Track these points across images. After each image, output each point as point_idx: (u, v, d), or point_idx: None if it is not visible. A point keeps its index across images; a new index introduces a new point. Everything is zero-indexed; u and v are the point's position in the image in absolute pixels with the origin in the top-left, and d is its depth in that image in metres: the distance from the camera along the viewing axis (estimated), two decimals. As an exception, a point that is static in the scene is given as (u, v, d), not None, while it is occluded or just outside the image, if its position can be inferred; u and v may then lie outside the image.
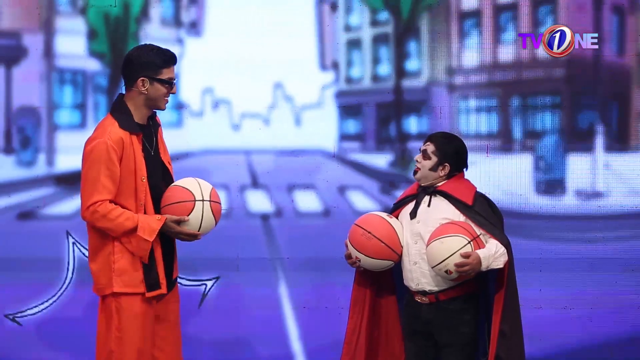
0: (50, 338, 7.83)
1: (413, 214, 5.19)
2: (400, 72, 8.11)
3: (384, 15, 8.14)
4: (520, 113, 8.18)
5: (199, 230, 5.04)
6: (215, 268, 7.93)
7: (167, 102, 5.16)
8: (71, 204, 7.97)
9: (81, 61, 8.08)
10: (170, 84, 5.06)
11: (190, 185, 5.07)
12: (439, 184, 5.21)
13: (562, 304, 7.92)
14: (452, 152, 5.21)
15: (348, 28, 8.17)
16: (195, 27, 8.11)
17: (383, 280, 5.44)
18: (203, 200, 5.00)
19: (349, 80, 8.17)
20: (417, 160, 5.25)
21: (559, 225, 8.03)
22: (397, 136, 8.10)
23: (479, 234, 5.04)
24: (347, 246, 5.24)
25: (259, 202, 8.05)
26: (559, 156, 8.08)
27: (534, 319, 7.58)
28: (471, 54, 8.10)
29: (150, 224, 4.92)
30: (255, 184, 8.09)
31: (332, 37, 8.11)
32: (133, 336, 5.03)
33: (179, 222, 4.97)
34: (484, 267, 4.96)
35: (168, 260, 5.17)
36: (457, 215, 5.12)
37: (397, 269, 5.35)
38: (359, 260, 5.19)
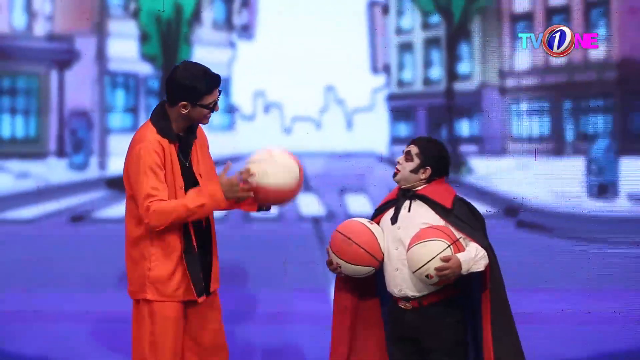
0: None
1: (394, 220, 5.15)
2: (452, 75, 8.09)
3: (435, 18, 8.12)
4: (572, 116, 8.12)
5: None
6: (264, 271, 7.93)
7: (210, 118, 5.11)
8: (123, 208, 7.97)
9: (133, 64, 8.12)
10: (212, 108, 5.01)
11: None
12: (419, 188, 5.17)
13: (612, 308, 7.87)
14: (435, 156, 5.15)
15: (399, 31, 8.16)
16: (246, 31, 8.11)
17: (365, 286, 5.42)
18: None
19: (400, 83, 8.15)
20: (398, 162, 5.20)
21: (611, 229, 7.96)
22: (448, 139, 8.08)
23: (458, 237, 5.01)
24: (328, 252, 5.22)
25: (310, 205, 8.01)
26: (611, 159, 8.03)
27: (581, 323, 7.51)
28: (523, 57, 8.05)
29: (207, 187, 4.92)
30: (307, 187, 8.06)
31: (383, 40, 8.09)
32: (166, 340, 5.01)
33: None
34: (464, 270, 4.92)
35: (204, 265, 5.14)
36: (437, 220, 5.07)
37: (380, 274, 5.32)
38: (340, 267, 5.16)
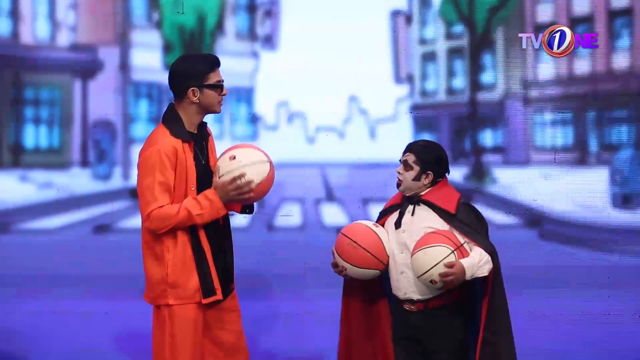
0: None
1: (398, 224, 5.12)
2: (475, 85, 8.07)
3: (458, 28, 8.13)
4: (596, 126, 8.11)
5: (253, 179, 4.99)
6: (287, 281, 7.93)
7: (222, 104, 5.13)
8: (146, 217, 7.95)
9: (157, 74, 8.13)
10: (219, 87, 5.02)
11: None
12: (423, 193, 5.16)
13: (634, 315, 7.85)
14: (433, 160, 5.10)
15: (423, 41, 8.17)
16: (270, 41, 8.12)
17: (372, 289, 5.42)
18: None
19: (423, 93, 8.16)
20: (398, 172, 5.18)
21: (636, 239, 7.94)
22: (472, 149, 8.06)
23: (462, 242, 4.99)
24: (333, 255, 5.21)
25: (334, 215, 8.01)
26: (635, 169, 8.00)
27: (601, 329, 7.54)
28: (547, 67, 8.05)
29: (205, 193, 4.94)
30: (330, 197, 8.06)
31: (406, 50, 8.10)
32: (186, 342, 5.00)
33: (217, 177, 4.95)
34: (468, 276, 4.88)
35: (221, 267, 5.15)
36: (441, 224, 5.04)
37: (387, 276, 5.32)
38: (345, 270, 5.16)
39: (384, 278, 5.34)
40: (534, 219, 8.06)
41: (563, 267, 7.88)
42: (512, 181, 8.13)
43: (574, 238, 8.03)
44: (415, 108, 7.78)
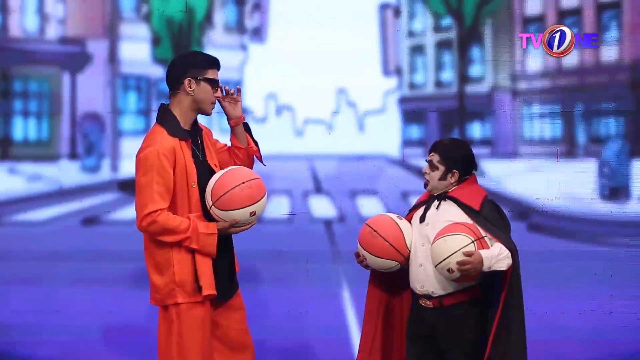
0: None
1: (422, 218, 5.17)
2: (463, 77, 8.09)
3: (447, 21, 8.13)
4: (584, 118, 8.11)
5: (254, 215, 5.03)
6: (278, 273, 7.93)
7: (214, 107, 5.13)
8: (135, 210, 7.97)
9: (145, 67, 8.12)
10: (215, 85, 5.04)
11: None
12: (450, 190, 5.18)
13: (632, 309, 7.83)
14: (458, 158, 5.13)
15: (411, 34, 8.17)
16: (258, 34, 8.11)
17: (398, 284, 5.43)
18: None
19: (412, 86, 8.16)
20: (425, 172, 5.20)
21: (624, 231, 7.94)
22: (460, 142, 8.05)
23: (483, 236, 5.01)
24: (358, 245, 5.24)
25: (322, 207, 8.00)
26: (623, 161, 8.00)
27: (599, 329, 7.55)
28: (535, 60, 8.05)
29: (206, 225, 4.94)
30: (319, 189, 8.05)
31: (395, 43, 8.09)
32: (194, 341, 5.02)
33: (231, 226, 4.97)
34: (485, 267, 4.87)
35: (225, 266, 5.16)
36: (465, 219, 5.05)
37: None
38: (365, 259, 5.19)
39: (407, 275, 5.34)
40: (522, 211, 8.05)
41: (552, 259, 7.86)
42: (500, 174, 8.13)
43: (562, 230, 8.03)
44: (403, 100, 7.77)
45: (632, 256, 7.82)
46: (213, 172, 5.05)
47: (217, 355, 5.21)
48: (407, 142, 8.01)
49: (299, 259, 7.73)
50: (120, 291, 7.86)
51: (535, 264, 7.79)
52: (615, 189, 8.04)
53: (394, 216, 5.21)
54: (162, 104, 5.04)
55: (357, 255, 5.22)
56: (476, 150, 7.99)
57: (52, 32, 8.02)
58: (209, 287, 5.00)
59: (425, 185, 5.19)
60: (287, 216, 7.90)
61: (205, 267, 4.99)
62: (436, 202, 5.14)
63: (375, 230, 5.09)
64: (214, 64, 5.03)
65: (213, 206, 4.91)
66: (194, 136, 5.05)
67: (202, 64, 4.98)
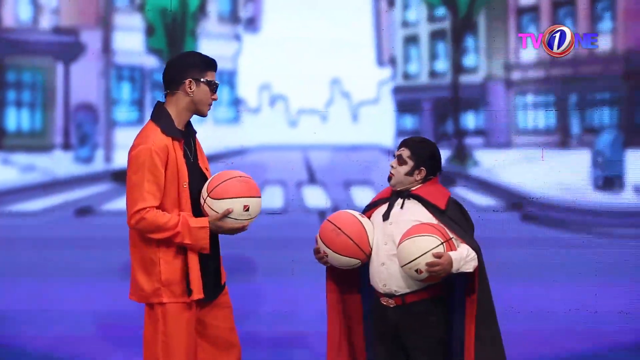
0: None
1: (386, 216, 5.15)
2: (458, 68, 8.08)
3: (441, 11, 8.11)
4: (578, 108, 8.10)
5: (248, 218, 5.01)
6: (270, 265, 7.91)
7: (210, 108, 5.14)
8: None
9: (139, 58, 8.10)
10: (214, 87, 5.06)
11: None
12: (413, 188, 5.17)
13: (619, 306, 7.83)
14: (427, 157, 5.15)
15: (405, 24, 8.14)
16: (252, 24, 8.10)
17: (350, 281, 5.41)
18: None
19: (406, 76, 8.13)
20: (392, 166, 5.19)
21: (617, 222, 7.94)
22: (454, 132, 8.07)
23: (451, 237, 5.01)
24: (316, 240, 5.22)
25: (315, 198, 8.00)
26: (617, 152, 8.00)
27: (590, 320, 7.56)
28: (529, 50, 8.03)
29: (197, 220, 4.93)
30: (312, 180, 8.04)
31: (389, 33, 8.07)
32: (180, 341, 5.02)
33: (223, 217, 4.94)
34: (454, 269, 4.90)
35: (213, 265, 5.15)
36: (430, 219, 5.05)
37: (365, 271, 5.31)
38: (327, 256, 5.16)
39: (361, 274, 5.34)
40: (516, 202, 8.05)
41: (545, 250, 7.89)
42: (494, 164, 8.12)
43: (556, 220, 8.00)
44: (397, 91, 7.76)
45: (625, 246, 7.81)
46: (203, 175, 5.11)
47: (203, 354, 5.21)
48: (401, 133, 8.01)
49: (291, 250, 7.70)
50: (113, 282, 7.83)
51: (528, 254, 7.80)
52: (609, 179, 8.03)
53: (355, 213, 5.21)
54: (158, 101, 5.05)
55: (317, 251, 5.20)
56: (470, 141, 8.03)
57: (46, 22, 8.00)
58: (198, 291, 5.00)
59: (389, 179, 5.17)
60: (281, 208, 7.90)
61: (195, 269, 4.99)
62: (400, 201, 5.13)
63: (338, 228, 5.08)
64: (213, 65, 5.08)
65: (208, 197, 4.92)
66: (187, 137, 5.08)
67: (202, 65, 5.03)
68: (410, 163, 5.11)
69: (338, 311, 5.38)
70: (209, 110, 5.10)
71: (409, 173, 5.11)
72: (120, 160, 7.95)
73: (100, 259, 7.88)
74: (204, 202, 4.95)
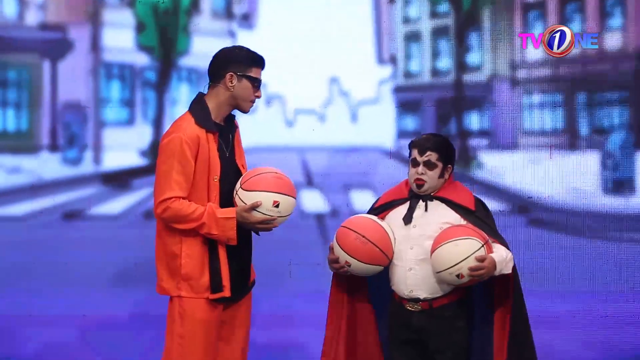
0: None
1: (408, 219, 5.00)
2: (461, 66, 7.92)
3: (444, 7, 8.00)
4: (587, 108, 7.98)
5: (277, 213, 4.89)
6: (267, 269, 7.76)
7: (252, 105, 5.03)
8: (119, 204, 7.83)
9: (129, 55, 7.98)
10: (257, 84, 4.95)
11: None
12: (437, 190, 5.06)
13: (629, 311, 7.70)
14: (451, 153, 5.09)
15: (407, 20, 8.04)
16: (247, 20, 8.00)
17: (359, 287, 5.27)
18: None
19: (407, 74, 8.03)
20: (420, 173, 5.02)
21: (627, 226, 7.79)
22: (457, 133, 7.92)
23: (488, 239, 4.91)
24: (331, 250, 5.02)
25: (313, 201, 7.85)
26: (627, 153, 7.88)
27: (597, 324, 7.45)
28: (535, 48, 7.88)
29: (224, 210, 4.82)
30: (310, 182, 7.92)
31: (390, 30, 7.96)
32: (196, 344, 4.91)
33: (252, 210, 4.82)
34: (497, 271, 4.79)
35: (241, 264, 5.02)
36: (459, 220, 4.93)
37: (370, 277, 5.16)
38: (349, 265, 4.95)
39: (367, 279, 5.17)
40: (523, 205, 7.91)
41: (552, 254, 7.75)
42: (499, 166, 7.98)
43: (564, 224, 7.86)
44: (398, 90, 7.61)
45: (636, 251, 7.74)
46: (238, 171, 5.00)
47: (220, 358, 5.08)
48: (402, 134, 7.88)
49: (288, 254, 7.52)
50: (102, 287, 7.73)
51: (535, 258, 7.66)
52: (619, 182, 7.90)
53: (374, 217, 5.02)
54: (199, 92, 4.98)
55: (335, 261, 5.01)
56: (474, 142, 7.89)
57: (32, 18, 7.90)
58: (227, 289, 4.92)
59: (420, 187, 5.00)
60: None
61: (225, 265, 4.90)
62: (422, 203, 4.99)
63: (363, 236, 4.88)
64: (260, 62, 4.98)
65: (240, 188, 4.83)
66: (225, 131, 4.98)
67: (246, 61, 4.92)
68: (440, 165, 4.99)
69: (338, 320, 5.22)
70: (251, 107, 5.02)
71: (441, 175, 4.99)
72: (110, 161, 7.91)
73: (89, 264, 7.77)
74: (236, 193, 4.85)
